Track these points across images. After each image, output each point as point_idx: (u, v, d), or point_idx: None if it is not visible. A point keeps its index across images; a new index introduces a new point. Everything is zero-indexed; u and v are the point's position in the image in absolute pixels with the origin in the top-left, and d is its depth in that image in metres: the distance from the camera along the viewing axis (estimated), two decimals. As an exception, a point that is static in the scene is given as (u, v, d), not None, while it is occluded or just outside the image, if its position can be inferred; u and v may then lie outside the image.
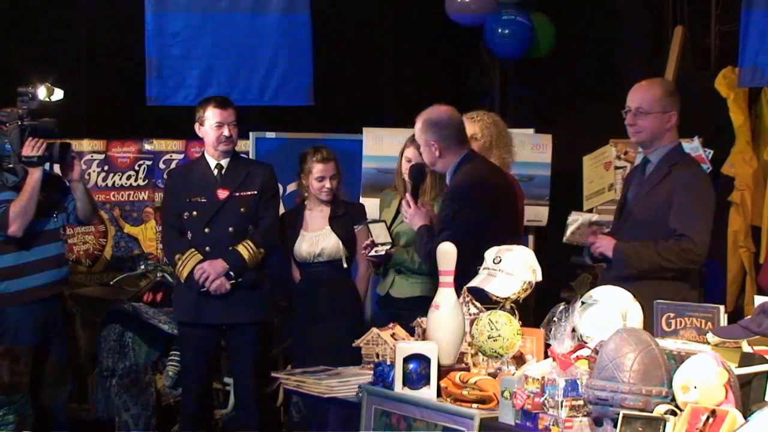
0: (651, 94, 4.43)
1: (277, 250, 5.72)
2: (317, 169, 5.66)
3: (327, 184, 5.65)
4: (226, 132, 5.39)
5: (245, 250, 5.36)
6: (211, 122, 5.40)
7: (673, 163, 4.41)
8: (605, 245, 4.41)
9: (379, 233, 5.41)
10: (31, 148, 5.17)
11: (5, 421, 4.98)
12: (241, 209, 5.42)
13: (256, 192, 5.45)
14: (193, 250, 5.36)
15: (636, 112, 4.42)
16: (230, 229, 5.39)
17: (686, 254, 4.24)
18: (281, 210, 6.25)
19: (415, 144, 5.52)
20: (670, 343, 3.25)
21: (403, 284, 5.45)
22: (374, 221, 5.54)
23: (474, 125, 5.36)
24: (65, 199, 5.43)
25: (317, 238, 5.67)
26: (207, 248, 5.36)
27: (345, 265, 5.69)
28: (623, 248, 4.36)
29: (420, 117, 4.83)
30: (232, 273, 5.32)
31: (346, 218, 5.70)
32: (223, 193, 5.41)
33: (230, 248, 5.35)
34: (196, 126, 5.48)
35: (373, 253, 5.41)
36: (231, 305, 5.36)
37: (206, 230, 5.38)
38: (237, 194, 5.42)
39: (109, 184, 6.97)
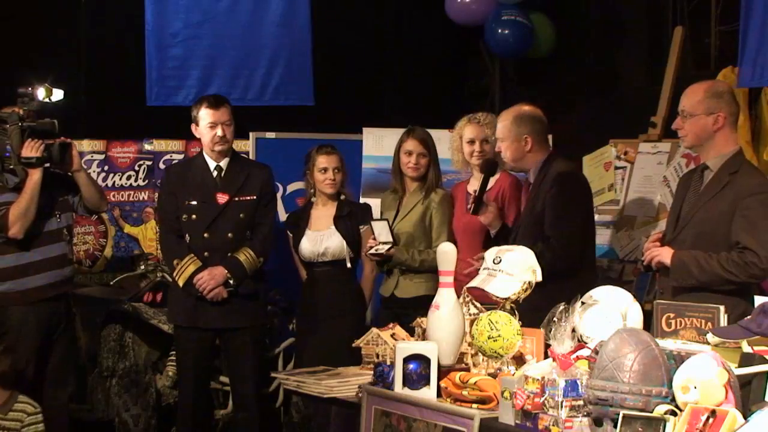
0: (694, 95, 4.26)
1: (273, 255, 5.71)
2: (320, 160, 5.67)
3: (330, 175, 5.65)
4: (219, 132, 5.35)
5: (245, 258, 5.34)
6: (204, 123, 5.38)
7: (732, 171, 4.18)
8: (664, 254, 4.20)
9: (381, 231, 5.43)
10: (30, 149, 5.17)
11: None
12: (240, 215, 5.39)
13: (255, 197, 5.43)
14: (191, 255, 5.33)
15: (682, 115, 4.27)
16: (229, 234, 5.36)
17: (750, 268, 4.01)
18: (281, 210, 6.25)
19: (413, 136, 5.54)
20: (670, 343, 3.25)
21: (408, 285, 5.47)
22: (377, 219, 5.56)
23: (484, 129, 5.38)
24: (70, 196, 5.42)
25: (321, 238, 5.67)
26: (206, 253, 5.34)
27: (349, 266, 5.69)
28: (683, 258, 4.14)
29: (507, 113, 4.89)
30: (231, 281, 5.31)
31: (351, 218, 5.70)
32: (222, 198, 5.38)
33: (230, 255, 5.34)
34: (193, 127, 5.46)
35: (373, 251, 5.43)
36: (227, 310, 5.34)
37: (205, 235, 5.36)
38: (236, 199, 5.39)
39: (109, 184, 6.96)
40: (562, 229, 4.65)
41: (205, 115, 5.38)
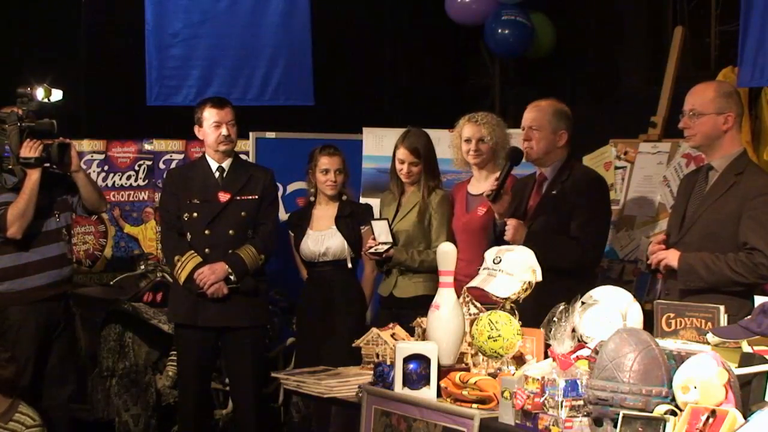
0: (704, 94, 4.25)
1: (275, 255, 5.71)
2: (322, 161, 5.70)
3: (331, 176, 5.68)
4: (224, 131, 5.37)
5: (247, 254, 5.35)
6: (209, 122, 5.39)
7: (738, 172, 4.18)
8: (671, 257, 4.18)
9: (381, 231, 5.43)
10: (29, 150, 5.17)
11: None
12: (242, 213, 5.40)
13: (257, 197, 5.44)
14: (192, 252, 5.34)
15: (690, 114, 4.24)
16: (230, 231, 5.38)
17: (758, 269, 4.00)
18: (281, 210, 6.25)
19: (405, 144, 5.54)
20: (670, 343, 3.25)
21: (407, 284, 5.46)
22: (377, 219, 5.57)
23: (481, 128, 5.36)
24: (69, 196, 5.42)
25: (322, 238, 5.69)
26: (206, 250, 5.35)
27: (349, 266, 5.70)
28: (690, 260, 4.13)
29: (546, 104, 4.92)
30: (232, 277, 5.31)
31: (353, 218, 5.72)
32: (224, 196, 5.39)
33: (231, 251, 5.35)
34: (196, 128, 5.47)
35: (372, 251, 5.43)
36: (227, 308, 5.34)
37: (206, 232, 5.37)
38: (238, 198, 5.41)
39: (109, 184, 6.96)
40: (593, 231, 4.75)
41: (209, 115, 5.39)
